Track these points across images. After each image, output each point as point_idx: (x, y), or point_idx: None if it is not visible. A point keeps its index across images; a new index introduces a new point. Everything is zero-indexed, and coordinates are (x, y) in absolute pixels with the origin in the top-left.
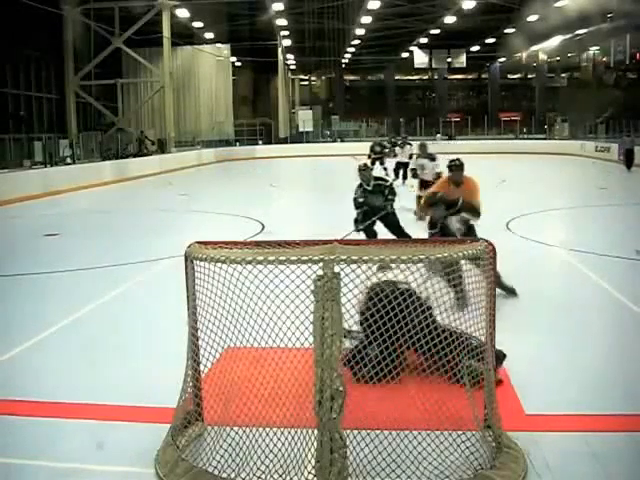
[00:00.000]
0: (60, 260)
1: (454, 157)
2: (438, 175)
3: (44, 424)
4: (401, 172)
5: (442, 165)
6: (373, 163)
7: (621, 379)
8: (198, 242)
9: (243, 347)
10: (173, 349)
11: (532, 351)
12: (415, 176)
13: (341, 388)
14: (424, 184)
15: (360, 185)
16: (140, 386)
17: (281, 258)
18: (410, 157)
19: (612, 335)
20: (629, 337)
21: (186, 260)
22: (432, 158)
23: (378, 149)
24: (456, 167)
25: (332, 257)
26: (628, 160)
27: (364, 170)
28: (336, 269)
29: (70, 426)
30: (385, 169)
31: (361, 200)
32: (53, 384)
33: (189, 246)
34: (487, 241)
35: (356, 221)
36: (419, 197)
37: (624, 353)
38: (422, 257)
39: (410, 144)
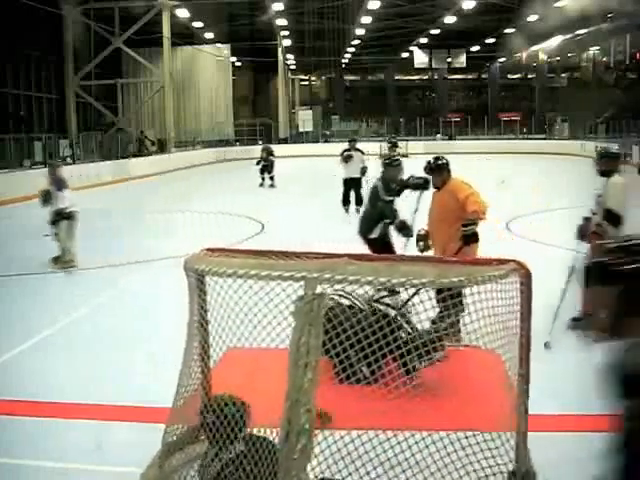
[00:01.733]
0: None
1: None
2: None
3: (44, 424)
4: (352, 194)
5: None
6: (262, 172)
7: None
8: (207, 249)
9: (245, 348)
10: (173, 348)
11: (532, 351)
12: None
13: (307, 426)
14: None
15: (386, 183)
16: (140, 386)
17: (263, 274)
18: (364, 172)
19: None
20: None
21: (185, 270)
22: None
23: (264, 155)
24: (428, 169)
25: (315, 275)
26: None
27: (397, 164)
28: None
29: (70, 426)
30: (272, 178)
31: (387, 210)
32: (53, 384)
33: (191, 256)
34: (518, 262)
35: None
36: None
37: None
38: (429, 281)
39: (361, 151)
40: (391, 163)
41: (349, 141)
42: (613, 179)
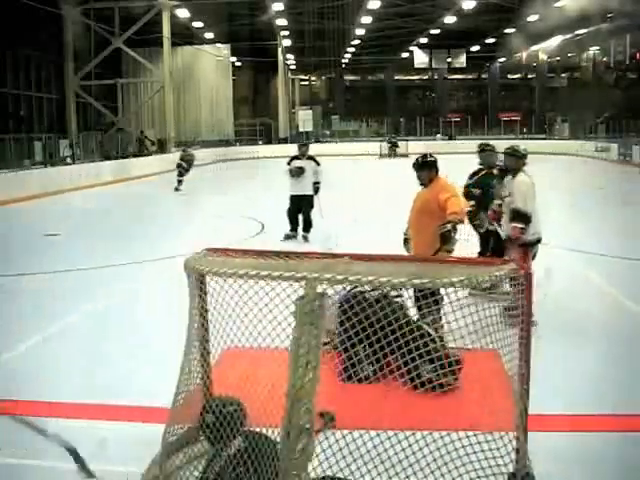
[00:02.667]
0: (60, 260)
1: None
2: None
3: (44, 424)
4: (300, 221)
5: None
6: (180, 174)
7: (621, 379)
8: (207, 249)
9: (243, 347)
10: (174, 348)
11: (532, 351)
12: None
13: (307, 425)
14: None
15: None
16: (140, 386)
17: (263, 274)
18: (317, 189)
19: (611, 335)
20: (629, 337)
21: (186, 270)
22: None
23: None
24: (416, 165)
25: (315, 275)
26: None
27: (490, 150)
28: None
29: (70, 426)
30: (179, 182)
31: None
32: (53, 384)
33: (191, 256)
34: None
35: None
36: None
37: (624, 353)
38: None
39: (315, 160)
40: (484, 149)
41: (299, 145)
42: (519, 179)
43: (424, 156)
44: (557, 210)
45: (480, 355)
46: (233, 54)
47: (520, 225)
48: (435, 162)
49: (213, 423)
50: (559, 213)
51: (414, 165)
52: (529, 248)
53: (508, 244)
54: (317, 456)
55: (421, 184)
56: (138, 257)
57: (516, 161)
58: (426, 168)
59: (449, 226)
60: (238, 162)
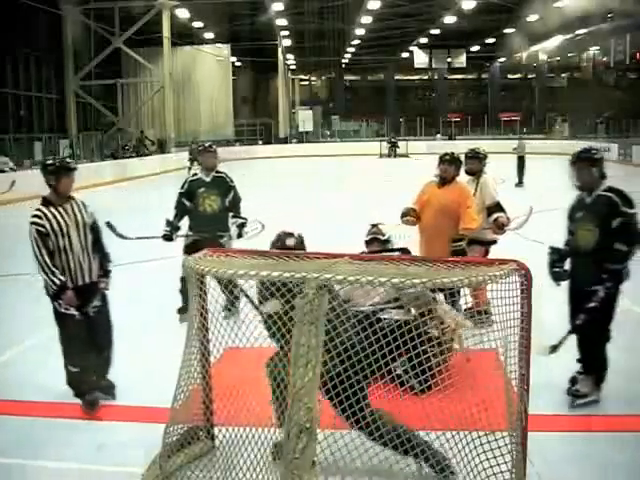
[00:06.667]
0: None
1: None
2: None
3: (44, 424)
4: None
5: None
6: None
7: (621, 379)
8: (208, 249)
9: (244, 347)
10: (174, 348)
11: (532, 350)
12: None
13: (308, 425)
14: None
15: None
16: (140, 386)
17: (263, 274)
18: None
19: (613, 335)
20: (629, 337)
21: (186, 270)
22: None
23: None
24: (444, 159)
25: (315, 275)
26: None
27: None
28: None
29: (70, 426)
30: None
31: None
32: (52, 384)
33: (191, 256)
34: (518, 262)
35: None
36: None
37: (624, 353)
38: (424, 283)
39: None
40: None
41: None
42: (483, 179)
43: (452, 153)
44: None
45: (480, 355)
46: (233, 54)
47: (506, 215)
48: (461, 161)
49: (296, 246)
50: None
51: (442, 158)
52: (489, 247)
53: (471, 244)
54: (316, 456)
55: (442, 180)
56: (138, 257)
57: (479, 162)
58: (454, 164)
59: (463, 244)
60: (238, 162)
